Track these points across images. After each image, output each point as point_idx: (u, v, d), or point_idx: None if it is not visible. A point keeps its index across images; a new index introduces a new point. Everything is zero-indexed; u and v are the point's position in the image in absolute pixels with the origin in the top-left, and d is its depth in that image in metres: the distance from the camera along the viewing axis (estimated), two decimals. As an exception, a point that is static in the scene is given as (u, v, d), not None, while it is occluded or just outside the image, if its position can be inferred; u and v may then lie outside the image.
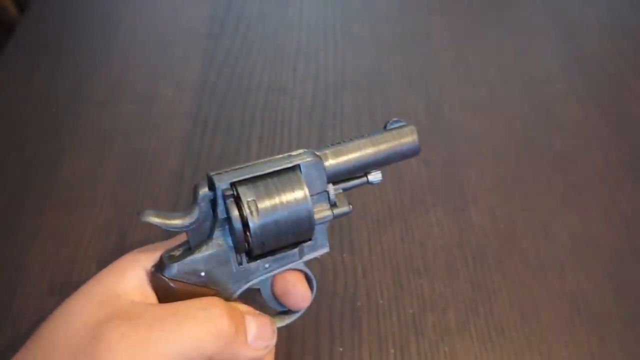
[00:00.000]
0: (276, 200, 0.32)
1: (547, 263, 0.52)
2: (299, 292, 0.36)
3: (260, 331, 0.34)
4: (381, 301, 0.48)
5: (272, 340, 0.35)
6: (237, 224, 0.32)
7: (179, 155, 0.59)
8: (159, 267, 0.33)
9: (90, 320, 0.30)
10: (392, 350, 0.45)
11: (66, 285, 0.47)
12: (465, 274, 0.51)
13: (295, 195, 0.33)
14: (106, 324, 0.29)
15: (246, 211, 0.31)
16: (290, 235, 0.34)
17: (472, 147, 0.62)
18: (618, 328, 0.48)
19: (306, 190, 0.33)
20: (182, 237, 0.35)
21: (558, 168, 0.61)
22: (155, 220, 0.31)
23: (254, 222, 0.32)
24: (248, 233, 0.32)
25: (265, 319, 0.35)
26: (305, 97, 0.66)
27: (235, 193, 0.32)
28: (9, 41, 0.71)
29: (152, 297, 0.33)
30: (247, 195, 0.32)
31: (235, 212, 0.32)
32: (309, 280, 0.37)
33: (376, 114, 0.65)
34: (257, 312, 0.35)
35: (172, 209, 0.53)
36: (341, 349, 0.45)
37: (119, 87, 0.66)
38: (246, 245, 0.33)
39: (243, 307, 0.35)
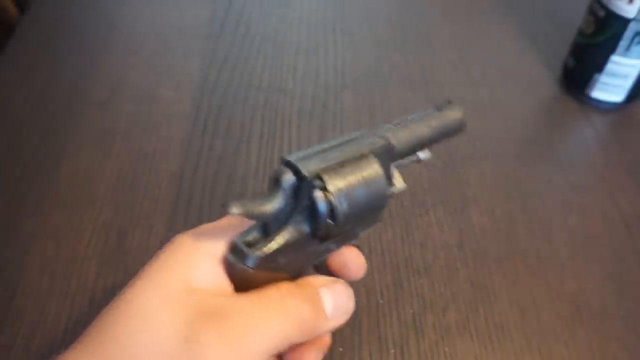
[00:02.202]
0: (360, 189, 0.32)
1: (547, 263, 0.52)
2: (357, 264, 0.36)
3: (337, 302, 0.33)
4: (381, 301, 0.48)
5: (351, 307, 0.35)
6: (324, 214, 0.31)
7: (178, 156, 0.59)
8: (239, 256, 0.31)
9: (177, 321, 0.28)
10: (392, 350, 0.45)
11: (66, 285, 0.47)
12: (465, 274, 0.51)
13: (375, 182, 0.33)
14: (199, 325, 0.28)
15: (335, 201, 0.31)
16: (366, 218, 0.34)
17: (472, 147, 0.62)
18: (618, 328, 0.48)
19: (384, 177, 0.33)
20: (236, 220, 0.33)
21: (558, 168, 0.61)
22: (241, 210, 0.30)
23: (341, 212, 0.32)
24: (333, 221, 0.32)
25: (340, 287, 0.34)
26: (305, 97, 0.66)
27: (322, 182, 0.31)
28: (8, 41, 0.71)
29: (228, 288, 0.31)
30: (334, 184, 0.31)
31: (323, 202, 0.31)
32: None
33: (376, 114, 0.65)
34: (331, 279, 0.35)
35: (173, 208, 0.53)
36: (341, 349, 0.45)
37: (118, 87, 0.66)
38: (327, 232, 0.33)
39: (316, 281, 0.34)
